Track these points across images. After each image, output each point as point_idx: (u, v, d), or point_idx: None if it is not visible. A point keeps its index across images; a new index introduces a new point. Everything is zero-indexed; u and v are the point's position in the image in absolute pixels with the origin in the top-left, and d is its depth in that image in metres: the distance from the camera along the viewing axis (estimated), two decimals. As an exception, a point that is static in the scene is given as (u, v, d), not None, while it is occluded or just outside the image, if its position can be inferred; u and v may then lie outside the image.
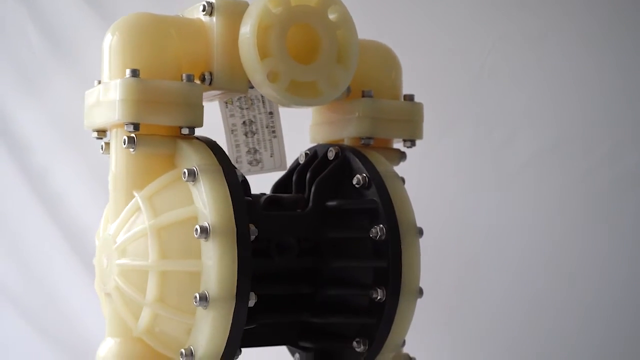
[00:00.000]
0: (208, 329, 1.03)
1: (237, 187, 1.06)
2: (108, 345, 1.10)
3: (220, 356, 1.04)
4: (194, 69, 1.12)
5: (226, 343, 1.04)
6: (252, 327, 1.12)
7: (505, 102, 1.86)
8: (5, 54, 1.97)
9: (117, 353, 1.09)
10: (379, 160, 1.19)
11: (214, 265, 1.02)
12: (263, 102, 1.23)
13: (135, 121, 1.07)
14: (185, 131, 1.10)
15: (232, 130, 1.24)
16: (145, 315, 1.07)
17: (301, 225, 1.16)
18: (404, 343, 1.17)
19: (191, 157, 1.07)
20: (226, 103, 1.22)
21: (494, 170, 1.85)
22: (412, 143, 1.25)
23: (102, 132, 1.15)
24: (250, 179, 1.26)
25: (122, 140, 1.08)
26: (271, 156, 1.26)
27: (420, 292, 1.14)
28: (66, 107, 1.94)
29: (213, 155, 1.08)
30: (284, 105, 1.15)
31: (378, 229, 1.13)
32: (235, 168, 1.11)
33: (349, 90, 1.21)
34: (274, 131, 1.26)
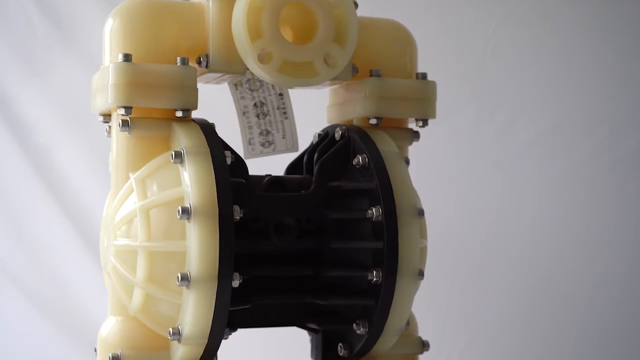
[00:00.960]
0: (191, 308, 1.05)
1: (222, 168, 1.07)
2: (110, 324, 1.14)
3: (207, 335, 1.07)
4: (191, 52, 1.14)
5: (212, 322, 1.06)
6: (246, 307, 1.14)
7: (507, 85, 1.86)
8: (8, 36, 1.98)
9: (118, 332, 1.13)
10: (383, 141, 1.18)
11: (195, 246, 1.04)
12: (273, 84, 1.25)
13: (127, 104, 1.10)
14: (179, 114, 1.13)
15: (244, 112, 1.26)
16: (137, 295, 1.10)
17: (302, 207, 1.17)
18: (408, 324, 1.17)
19: (181, 140, 1.10)
20: (235, 85, 1.24)
21: (496, 153, 1.86)
22: (425, 122, 1.24)
23: (107, 116, 1.20)
24: (266, 160, 1.28)
25: (118, 124, 1.12)
26: (283, 137, 1.27)
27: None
28: (69, 89, 1.97)
29: (203, 137, 1.10)
30: (280, 85, 1.16)
31: (374, 210, 1.13)
32: (232, 150, 1.13)
33: (355, 69, 1.21)
34: (285, 112, 1.27)
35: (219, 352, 1.16)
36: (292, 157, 1.28)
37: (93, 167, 1.97)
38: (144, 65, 1.11)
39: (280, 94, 1.26)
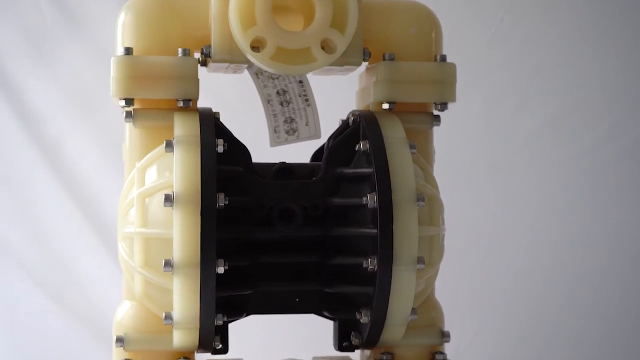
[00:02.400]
0: (176, 294, 1.10)
1: (209, 157, 1.11)
2: (123, 308, 1.21)
3: (197, 320, 1.12)
4: (195, 43, 1.19)
5: (200, 308, 1.11)
6: (247, 292, 1.18)
7: (515, 71, 1.86)
8: (17, 24, 2.01)
9: (128, 315, 1.20)
10: (391, 126, 1.18)
11: (177, 233, 1.09)
12: (292, 71, 1.27)
13: (127, 96, 1.17)
14: (180, 104, 1.18)
15: (268, 101, 1.29)
16: (137, 280, 1.16)
17: (307, 194, 1.19)
18: (415, 314, 1.16)
19: (175, 129, 1.15)
20: (257, 74, 1.27)
21: (503, 141, 1.89)
22: (444, 106, 1.23)
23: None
24: (297, 147, 1.31)
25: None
26: (306, 125, 1.29)
27: (421, 261, 1.13)
28: (78, 77, 2.00)
29: (198, 127, 1.15)
30: (276, 72, 1.18)
31: (369, 197, 1.13)
32: (233, 139, 1.17)
33: (367, 53, 1.21)
34: (307, 99, 1.29)
35: (233, 338, 1.22)
36: (319, 144, 1.30)
37: (103, 155, 2.01)
38: (144, 57, 1.17)
39: (300, 81, 1.28)
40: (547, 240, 1.92)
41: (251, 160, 1.19)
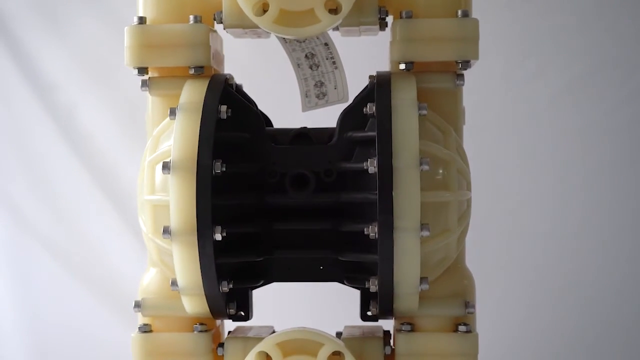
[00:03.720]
0: (176, 260, 1.13)
1: (208, 124, 1.13)
2: (149, 275, 1.26)
3: (200, 287, 1.15)
4: (207, 10, 1.22)
5: (201, 275, 1.14)
6: (259, 260, 1.20)
7: (536, 32, 1.81)
8: None
9: (150, 281, 1.25)
10: (403, 87, 1.16)
11: (173, 200, 1.12)
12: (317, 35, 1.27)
13: (141, 65, 1.21)
14: (192, 71, 1.21)
15: (298, 65, 1.29)
16: (151, 247, 1.21)
17: (320, 159, 1.19)
18: (425, 283, 1.14)
19: (181, 96, 1.18)
20: (284, 39, 1.28)
21: (526, 102, 1.86)
22: (466, 64, 1.19)
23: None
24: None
25: (141, 83, 1.24)
26: (335, 88, 1.29)
27: (425, 228, 1.11)
28: (91, 45, 2.01)
29: (204, 94, 1.17)
30: (281, 35, 1.18)
31: (369, 162, 1.12)
32: (247, 105, 1.19)
33: (383, 11, 1.20)
34: (334, 62, 1.28)
35: (260, 305, 1.25)
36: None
37: (117, 123, 2.01)
38: (155, 26, 1.21)
39: (326, 44, 1.27)
40: (569, 204, 1.90)
41: (264, 126, 1.21)
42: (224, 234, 1.12)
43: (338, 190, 1.19)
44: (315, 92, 1.30)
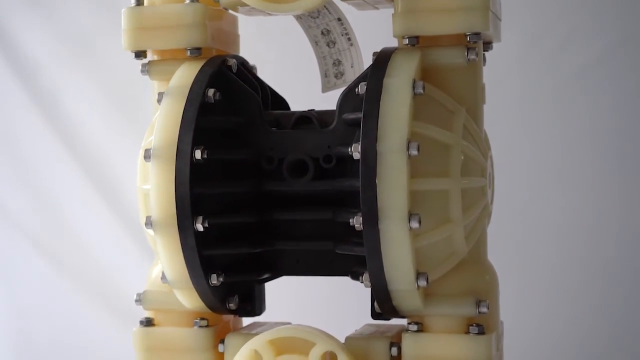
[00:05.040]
0: (160, 252, 1.12)
1: (191, 108, 1.11)
2: (158, 268, 1.25)
3: (188, 280, 1.13)
4: (207, -12, 1.20)
5: (187, 268, 1.12)
6: (257, 251, 1.17)
7: (561, 3, 1.72)
8: None
9: (156, 274, 1.24)
10: (401, 65, 1.09)
11: (152, 189, 1.10)
12: (327, 9, 1.22)
13: (138, 49, 1.20)
14: (188, 53, 1.18)
15: (316, 42, 1.25)
16: (147, 236, 1.20)
17: (319, 144, 1.15)
18: (424, 279, 1.07)
19: (171, 80, 1.16)
20: (299, 16, 1.24)
21: (546, 79, 1.75)
22: (475, 37, 1.11)
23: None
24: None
25: (142, 67, 1.23)
26: (351, 67, 1.23)
27: (414, 219, 1.04)
28: (76, 26, 1.91)
29: (193, 77, 1.15)
30: (271, 12, 1.14)
31: (354, 147, 1.06)
32: (245, 88, 1.16)
33: (378, -16, 1.14)
34: (350, 39, 1.23)
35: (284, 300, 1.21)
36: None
37: (103, 107, 1.92)
38: (151, 7, 1.19)
39: (339, 19, 1.22)
40: (601, 193, 1.75)
41: (261, 110, 1.17)
42: (206, 225, 1.10)
43: (339, 177, 1.14)
44: (334, 72, 1.25)
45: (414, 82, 1.07)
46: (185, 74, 1.15)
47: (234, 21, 1.27)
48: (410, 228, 1.04)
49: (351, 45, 1.23)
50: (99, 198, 1.95)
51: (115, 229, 1.94)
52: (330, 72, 1.25)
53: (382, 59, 1.11)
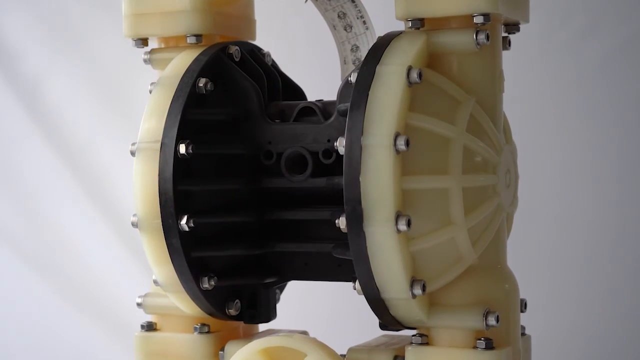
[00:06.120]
0: (147, 253, 1.09)
1: (178, 101, 1.07)
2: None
3: (178, 283, 1.09)
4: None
5: (175, 270, 1.08)
6: (256, 253, 1.12)
7: None
8: None
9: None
10: (399, 51, 1.01)
11: (135, 185, 1.07)
12: (339, -11, 1.16)
13: (138, 36, 1.17)
14: (191, 40, 1.15)
15: (334, 26, 1.19)
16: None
17: (319, 138, 1.09)
18: (419, 288, 0.99)
19: (165, 69, 1.13)
20: (315, -1, 1.18)
21: (572, 66, 1.67)
22: (485, 18, 1.02)
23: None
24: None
25: (145, 57, 1.20)
26: (368, 53, 1.17)
27: (402, 221, 0.96)
28: (60, 11, 1.82)
29: (187, 66, 1.11)
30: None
31: (339, 141, 1.00)
32: (246, 78, 1.11)
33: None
34: (365, 22, 1.16)
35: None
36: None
37: (88, 97, 1.82)
38: (150, -8, 1.16)
39: (352, 0, 1.16)
40: (627, 188, 1.65)
41: (261, 101, 1.12)
42: (192, 224, 1.05)
43: (339, 174, 1.07)
44: (352, 58, 1.19)
45: (409, 69, 0.99)
46: (179, 63, 1.11)
47: (247, 5, 1.22)
48: (398, 231, 0.97)
49: (366, 29, 1.16)
50: (82, 193, 1.86)
51: (100, 227, 1.85)
52: (349, 59, 1.19)
53: (381, 44, 1.04)
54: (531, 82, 1.67)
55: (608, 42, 1.67)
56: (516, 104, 1.12)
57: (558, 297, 1.67)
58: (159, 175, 1.05)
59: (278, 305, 1.21)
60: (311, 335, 1.18)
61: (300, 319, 1.25)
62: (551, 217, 1.69)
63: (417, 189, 0.99)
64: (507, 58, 1.09)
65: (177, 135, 1.05)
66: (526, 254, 1.53)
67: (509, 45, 1.11)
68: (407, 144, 0.96)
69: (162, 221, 1.06)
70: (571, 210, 1.67)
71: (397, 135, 0.96)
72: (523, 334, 1.12)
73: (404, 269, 0.98)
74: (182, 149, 1.05)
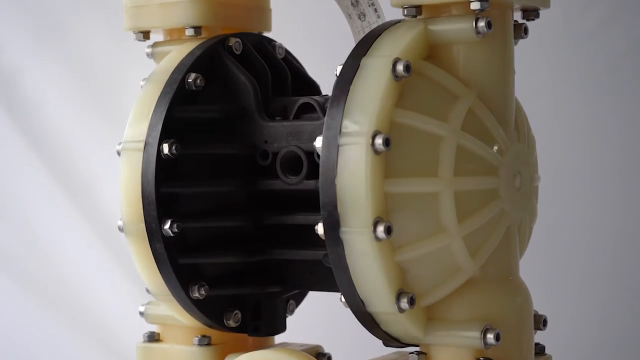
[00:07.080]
0: (133, 259, 1.06)
1: (165, 97, 1.03)
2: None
3: (167, 291, 1.05)
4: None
5: (162, 277, 1.05)
6: (253, 260, 1.08)
7: None
8: None
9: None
10: (389, 42, 0.95)
11: (120, 188, 1.05)
12: (349, -25, 1.10)
13: (137, 29, 1.15)
14: (189, 32, 1.11)
15: (349, 15, 1.13)
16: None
17: (315, 136, 1.03)
18: (408, 301, 0.93)
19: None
20: (327, -15, 1.13)
21: (588, 59, 1.63)
22: (482, 4, 0.94)
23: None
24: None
25: (147, 51, 1.17)
26: (381, 44, 1.11)
27: (379, 228, 0.90)
28: (43, 5, 1.73)
29: (179, 60, 1.07)
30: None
31: (317, 139, 0.95)
32: (245, 73, 1.07)
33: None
34: (376, 10, 1.10)
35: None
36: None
37: (69, 92, 1.72)
38: (151, -16, 1.13)
39: (363, -14, 1.11)
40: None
41: (258, 98, 1.07)
42: (175, 229, 1.02)
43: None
44: (367, 50, 1.13)
45: (395, 61, 0.93)
46: (174, 57, 1.08)
47: (261, -6, 1.18)
48: (377, 238, 0.90)
49: (378, 17, 1.11)
50: (63, 196, 1.78)
51: (84, 231, 1.77)
52: (364, 51, 1.13)
53: (373, 34, 0.98)
54: (540, 81, 1.62)
55: (624, 38, 1.64)
56: (524, 102, 1.04)
57: (579, 312, 1.60)
58: (141, 177, 1.02)
59: (297, 318, 1.17)
60: (327, 349, 1.13)
61: (319, 332, 1.20)
62: (565, 223, 1.62)
63: (402, 193, 0.92)
64: (517, 53, 1.01)
65: (160, 134, 1.02)
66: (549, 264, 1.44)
67: (526, 33, 1.02)
68: (387, 143, 0.90)
69: (145, 225, 1.02)
70: (588, 215, 1.64)
71: (375, 134, 0.90)
72: (542, 354, 1.04)
73: (387, 280, 0.92)
74: (166, 148, 1.01)
